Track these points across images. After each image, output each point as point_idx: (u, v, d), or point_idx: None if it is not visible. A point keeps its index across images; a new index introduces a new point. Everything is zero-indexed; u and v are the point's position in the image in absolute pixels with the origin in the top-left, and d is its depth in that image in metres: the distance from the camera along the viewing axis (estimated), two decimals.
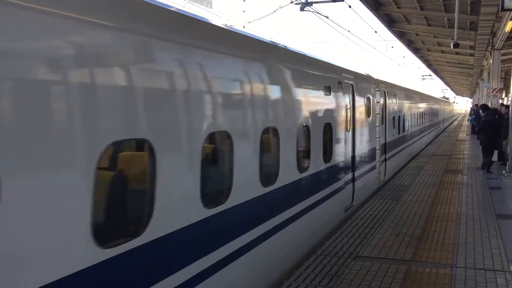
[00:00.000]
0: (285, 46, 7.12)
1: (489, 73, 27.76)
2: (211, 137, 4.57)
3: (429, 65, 48.07)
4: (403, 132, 16.60)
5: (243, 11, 20.22)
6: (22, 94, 2.62)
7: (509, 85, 18.70)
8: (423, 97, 25.35)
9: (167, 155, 3.79)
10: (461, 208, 8.96)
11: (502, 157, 15.46)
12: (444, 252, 6.34)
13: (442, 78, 65.35)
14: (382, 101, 12.43)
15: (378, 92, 11.96)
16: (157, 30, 3.90)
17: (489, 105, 20.60)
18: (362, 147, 10.29)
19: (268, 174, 5.66)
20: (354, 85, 9.44)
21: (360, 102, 10.13)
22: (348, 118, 9.03)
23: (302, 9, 16.61)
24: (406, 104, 17.45)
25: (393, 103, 14.34)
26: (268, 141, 5.71)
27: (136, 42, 3.56)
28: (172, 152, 3.91)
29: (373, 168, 11.44)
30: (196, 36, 4.55)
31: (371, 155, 11.19)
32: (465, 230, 7.39)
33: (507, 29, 17.61)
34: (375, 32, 27.61)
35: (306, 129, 6.85)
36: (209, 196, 4.40)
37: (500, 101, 25.70)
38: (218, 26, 5.43)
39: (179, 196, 3.99)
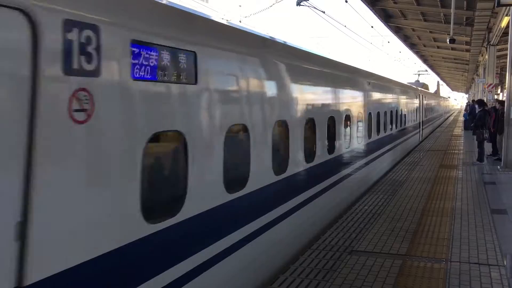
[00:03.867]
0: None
1: (484, 68, 27.82)
2: None
3: (425, 60, 48.15)
4: None
5: (240, 6, 20.20)
6: None
7: (505, 81, 18.76)
8: None
9: None
10: (456, 203, 9.00)
11: (496, 152, 15.56)
12: (439, 247, 6.38)
13: (438, 73, 65.52)
14: None
15: None
16: None
17: (485, 100, 20.68)
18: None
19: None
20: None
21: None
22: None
23: (298, 4, 16.56)
24: None
25: None
26: None
27: None
28: None
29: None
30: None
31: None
32: (460, 225, 7.42)
33: (503, 24, 17.65)
34: (372, 27, 27.69)
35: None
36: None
37: (496, 97, 25.79)
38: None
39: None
